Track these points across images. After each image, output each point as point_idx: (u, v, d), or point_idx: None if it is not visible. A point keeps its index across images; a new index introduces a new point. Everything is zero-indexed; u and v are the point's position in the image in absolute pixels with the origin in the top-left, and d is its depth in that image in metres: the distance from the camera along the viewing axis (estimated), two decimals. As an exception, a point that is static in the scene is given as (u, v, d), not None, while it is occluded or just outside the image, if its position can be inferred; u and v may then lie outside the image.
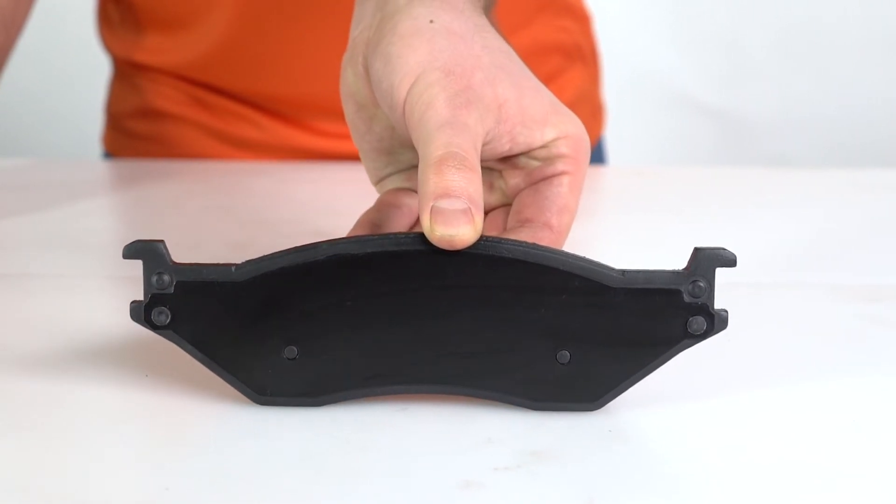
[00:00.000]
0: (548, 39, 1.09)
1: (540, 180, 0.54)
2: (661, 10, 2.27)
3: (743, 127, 2.32)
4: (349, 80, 0.56)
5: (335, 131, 1.05)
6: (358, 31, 0.56)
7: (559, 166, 0.53)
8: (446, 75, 0.51)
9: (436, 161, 0.48)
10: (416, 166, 0.57)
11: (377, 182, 0.58)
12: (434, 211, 0.46)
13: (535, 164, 0.54)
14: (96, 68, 1.57)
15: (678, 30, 2.28)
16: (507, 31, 0.97)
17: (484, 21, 0.55)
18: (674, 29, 2.28)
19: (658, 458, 0.46)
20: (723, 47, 2.29)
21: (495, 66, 0.52)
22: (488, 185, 0.56)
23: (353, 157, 1.04)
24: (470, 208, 0.47)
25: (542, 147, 0.53)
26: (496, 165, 0.55)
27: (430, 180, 0.47)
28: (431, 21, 0.53)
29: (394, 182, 0.58)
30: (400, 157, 0.57)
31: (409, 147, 0.56)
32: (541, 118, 0.52)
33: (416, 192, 0.56)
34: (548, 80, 1.08)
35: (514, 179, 0.55)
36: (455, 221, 0.46)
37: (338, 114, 1.02)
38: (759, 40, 2.29)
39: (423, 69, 0.51)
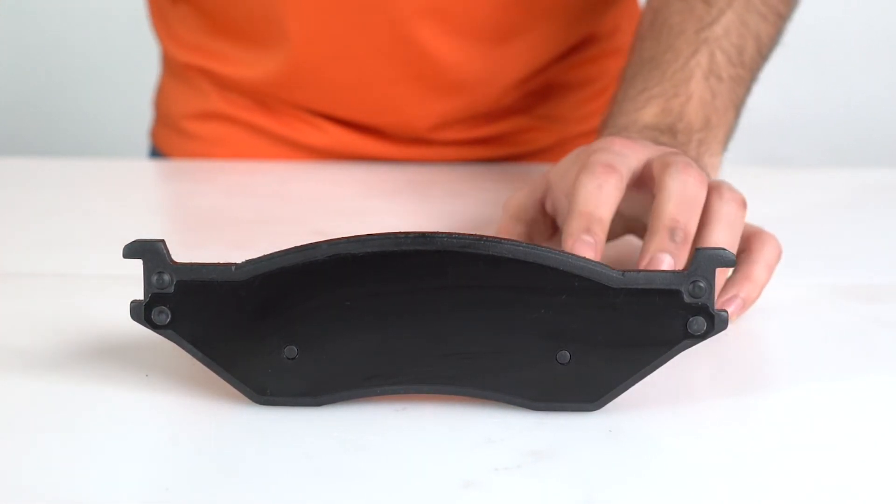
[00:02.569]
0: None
1: None
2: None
3: (743, 127, 2.31)
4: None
5: (406, 138, 1.00)
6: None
7: None
8: None
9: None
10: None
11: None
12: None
13: None
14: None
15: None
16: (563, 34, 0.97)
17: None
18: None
19: (658, 458, 0.46)
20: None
21: None
22: None
23: (423, 160, 1.00)
24: None
25: None
26: None
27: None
28: None
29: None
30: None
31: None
32: None
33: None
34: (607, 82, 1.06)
35: None
36: None
37: (410, 129, 0.99)
38: (759, 40, 2.28)
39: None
